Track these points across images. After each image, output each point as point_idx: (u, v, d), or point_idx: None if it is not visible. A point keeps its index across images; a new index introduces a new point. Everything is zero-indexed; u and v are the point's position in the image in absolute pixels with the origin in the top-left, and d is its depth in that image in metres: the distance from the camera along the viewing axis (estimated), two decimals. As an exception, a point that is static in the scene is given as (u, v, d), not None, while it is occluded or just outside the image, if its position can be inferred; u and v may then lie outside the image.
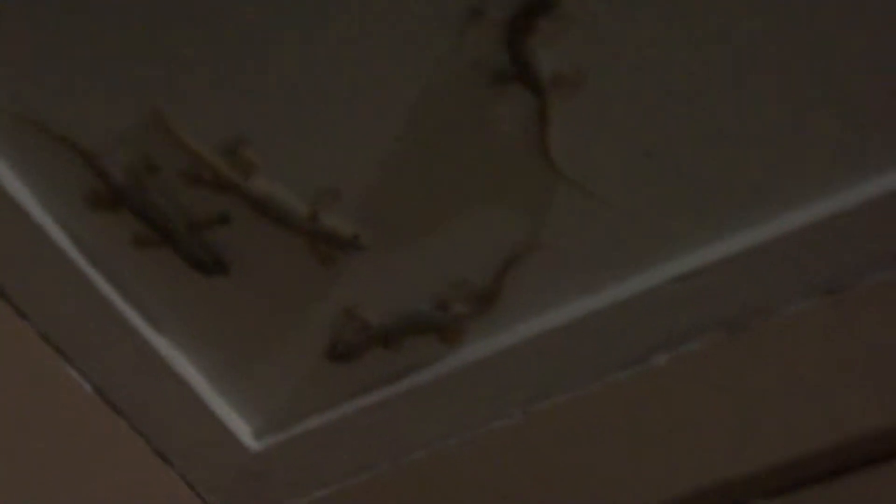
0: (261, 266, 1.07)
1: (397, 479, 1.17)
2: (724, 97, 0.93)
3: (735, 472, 1.06)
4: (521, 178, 0.99)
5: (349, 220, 1.02)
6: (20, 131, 1.00)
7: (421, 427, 1.14)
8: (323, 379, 1.14)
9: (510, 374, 1.09)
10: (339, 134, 0.98)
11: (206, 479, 1.22)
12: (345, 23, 0.92)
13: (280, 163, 1.00)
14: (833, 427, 1.02)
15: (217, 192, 1.01)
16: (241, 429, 1.19)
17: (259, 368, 1.15)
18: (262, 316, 1.11)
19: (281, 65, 0.95)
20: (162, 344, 1.13)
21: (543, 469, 1.13)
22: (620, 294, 1.04)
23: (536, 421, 1.10)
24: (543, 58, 0.91)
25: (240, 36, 0.94)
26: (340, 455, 1.17)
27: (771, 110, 0.94)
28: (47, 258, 1.06)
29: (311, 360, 1.13)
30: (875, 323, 1.02)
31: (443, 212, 1.02)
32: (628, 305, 1.04)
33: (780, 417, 1.04)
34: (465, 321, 1.07)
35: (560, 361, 1.07)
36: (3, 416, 1.08)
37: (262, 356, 1.14)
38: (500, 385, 1.10)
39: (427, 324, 1.08)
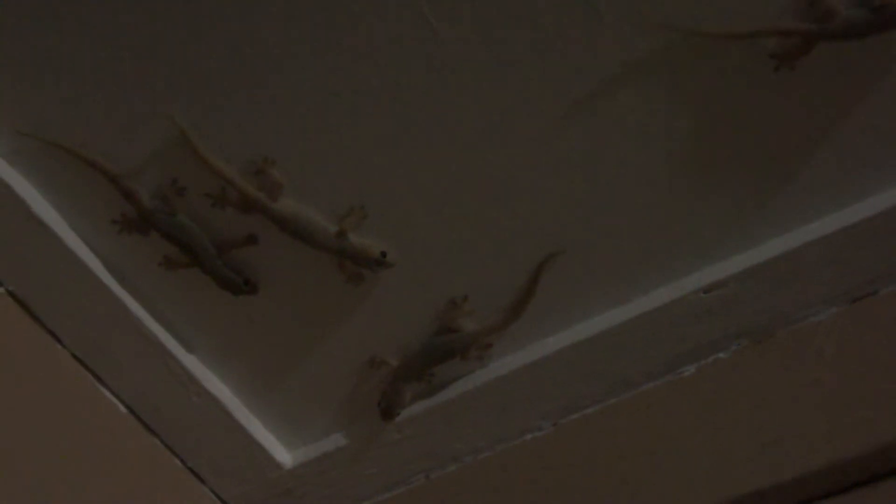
0: (289, 284, 1.08)
1: (428, 493, 1.17)
2: (754, 111, 0.94)
3: (763, 482, 1.06)
4: (545, 188, 1.00)
5: (376, 237, 1.03)
6: (50, 157, 1.02)
7: (452, 441, 1.14)
8: (353, 395, 1.15)
9: (540, 387, 1.09)
10: (365, 152, 0.99)
11: (239, 495, 1.23)
12: (373, 44, 0.93)
13: (307, 181, 1.01)
14: (858, 436, 1.01)
15: (245, 212, 1.03)
16: (274, 445, 1.19)
17: (290, 385, 1.16)
18: (291, 333, 1.12)
19: (306, 84, 0.96)
20: (193, 363, 1.14)
21: (573, 480, 1.13)
22: (647, 305, 1.04)
23: (566, 433, 1.10)
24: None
25: (265, 55, 0.95)
26: (372, 470, 1.18)
27: (794, 125, 0.95)
28: (79, 281, 1.08)
29: (341, 376, 1.14)
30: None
31: (469, 227, 1.03)
32: (655, 316, 1.04)
33: (806, 426, 1.03)
34: (492, 337, 1.08)
35: (589, 373, 1.08)
36: (38, 437, 1.09)
37: (292, 373, 1.15)
38: (530, 398, 1.10)
39: (455, 347, 1.08)
